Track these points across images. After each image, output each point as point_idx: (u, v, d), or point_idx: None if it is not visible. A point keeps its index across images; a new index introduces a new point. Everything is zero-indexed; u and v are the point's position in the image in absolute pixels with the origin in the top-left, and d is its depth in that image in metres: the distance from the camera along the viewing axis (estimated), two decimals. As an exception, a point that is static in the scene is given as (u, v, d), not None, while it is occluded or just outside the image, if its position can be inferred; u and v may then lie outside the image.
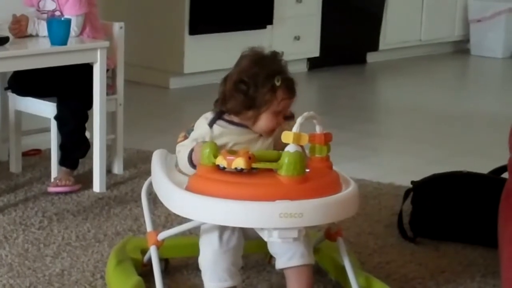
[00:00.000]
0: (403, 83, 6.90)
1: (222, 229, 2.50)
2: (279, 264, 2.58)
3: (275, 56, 2.58)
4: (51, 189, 3.72)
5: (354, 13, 7.24)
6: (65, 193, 3.71)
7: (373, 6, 7.42)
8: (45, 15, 3.83)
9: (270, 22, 6.59)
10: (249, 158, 2.30)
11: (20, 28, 3.70)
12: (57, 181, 3.74)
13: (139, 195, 2.85)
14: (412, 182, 3.43)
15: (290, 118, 2.56)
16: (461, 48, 8.40)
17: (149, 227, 2.73)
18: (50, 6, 3.84)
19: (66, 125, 3.74)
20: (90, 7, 3.86)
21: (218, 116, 2.56)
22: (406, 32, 7.79)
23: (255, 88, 2.50)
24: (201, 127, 2.56)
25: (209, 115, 2.58)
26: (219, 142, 2.49)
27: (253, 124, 2.54)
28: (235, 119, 2.56)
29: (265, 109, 2.51)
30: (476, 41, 8.22)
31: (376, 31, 7.50)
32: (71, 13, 3.78)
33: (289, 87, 2.53)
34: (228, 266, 2.52)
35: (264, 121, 2.52)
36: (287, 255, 2.54)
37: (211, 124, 2.55)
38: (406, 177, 3.63)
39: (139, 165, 4.17)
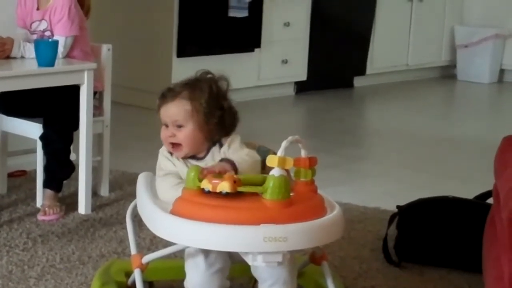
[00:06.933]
0: (390, 107, 6.92)
1: (207, 251, 2.49)
2: None
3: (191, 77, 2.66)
4: (42, 217, 3.67)
5: (342, 38, 7.28)
6: (56, 220, 3.69)
7: (361, 31, 7.46)
8: (35, 36, 3.83)
9: (258, 46, 6.61)
10: (234, 181, 2.29)
11: (3, 51, 3.70)
12: (46, 208, 3.70)
13: (125, 217, 2.84)
14: (398, 207, 3.43)
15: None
16: (448, 73, 8.45)
17: (133, 250, 2.72)
18: (42, 26, 3.85)
19: (51, 144, 3.71)
20: (81, 31, 3.86)
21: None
22: (393, 57, 7.84)
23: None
24: (164, 159, 2.65)
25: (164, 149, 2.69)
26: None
27: None
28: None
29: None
30: (463, 66, 8.27)
31: (363, 56, 7.53)
32: (61, 33, 3.78)
33: (162, 95, 2.66)
34: (215, 289, 2.50)
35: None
36: (270, 281, 2.51)
37: (171, 153, 2.64)
38: (392, 201, 3.63)
39: (125, 187, 4.16)
